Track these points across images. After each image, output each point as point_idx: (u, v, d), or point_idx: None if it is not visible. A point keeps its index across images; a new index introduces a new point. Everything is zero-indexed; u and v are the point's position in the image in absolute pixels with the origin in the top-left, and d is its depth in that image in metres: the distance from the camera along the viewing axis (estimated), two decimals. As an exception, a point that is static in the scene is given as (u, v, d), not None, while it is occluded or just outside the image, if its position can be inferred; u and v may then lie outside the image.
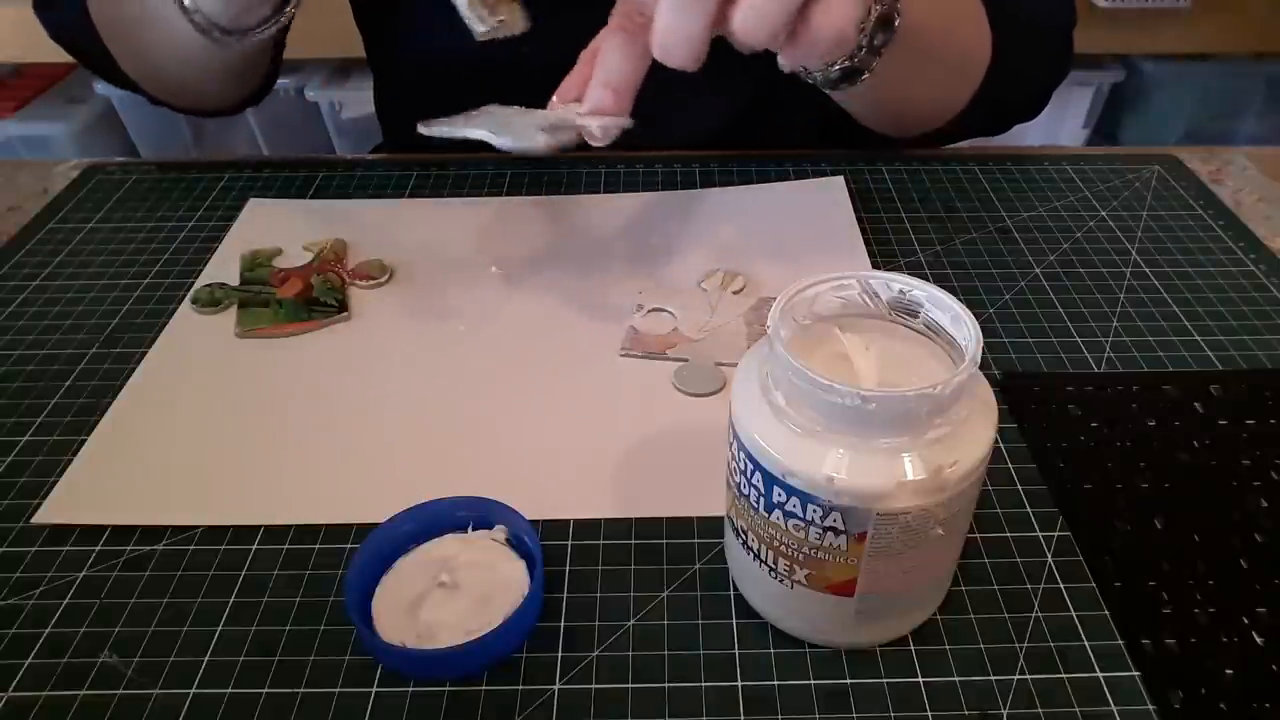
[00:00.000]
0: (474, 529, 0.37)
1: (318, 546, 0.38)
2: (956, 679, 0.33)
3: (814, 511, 0.29)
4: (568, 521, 0.38)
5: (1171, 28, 1.39)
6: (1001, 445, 0.41)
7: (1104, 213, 0.58)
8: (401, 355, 0.47)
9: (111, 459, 0.41)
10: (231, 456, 0.41)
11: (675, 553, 0.37)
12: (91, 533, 0.38)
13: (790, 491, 0.29)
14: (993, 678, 0.33)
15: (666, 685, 0.33)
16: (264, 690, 0.33)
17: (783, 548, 0.31)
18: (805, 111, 0.66)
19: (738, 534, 0.33)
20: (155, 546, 0.38)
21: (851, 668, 0.33)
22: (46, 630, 0.35)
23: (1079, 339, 0.48)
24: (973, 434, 0.29)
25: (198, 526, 0.38)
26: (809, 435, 0.28)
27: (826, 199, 0.58)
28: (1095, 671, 0.33)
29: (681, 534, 0.38)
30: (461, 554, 0.35)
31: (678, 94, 0.63)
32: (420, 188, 0.61)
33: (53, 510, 0.39)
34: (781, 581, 0.32)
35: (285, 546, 0.38)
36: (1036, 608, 0.35)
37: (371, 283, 0.52)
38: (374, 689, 0.33)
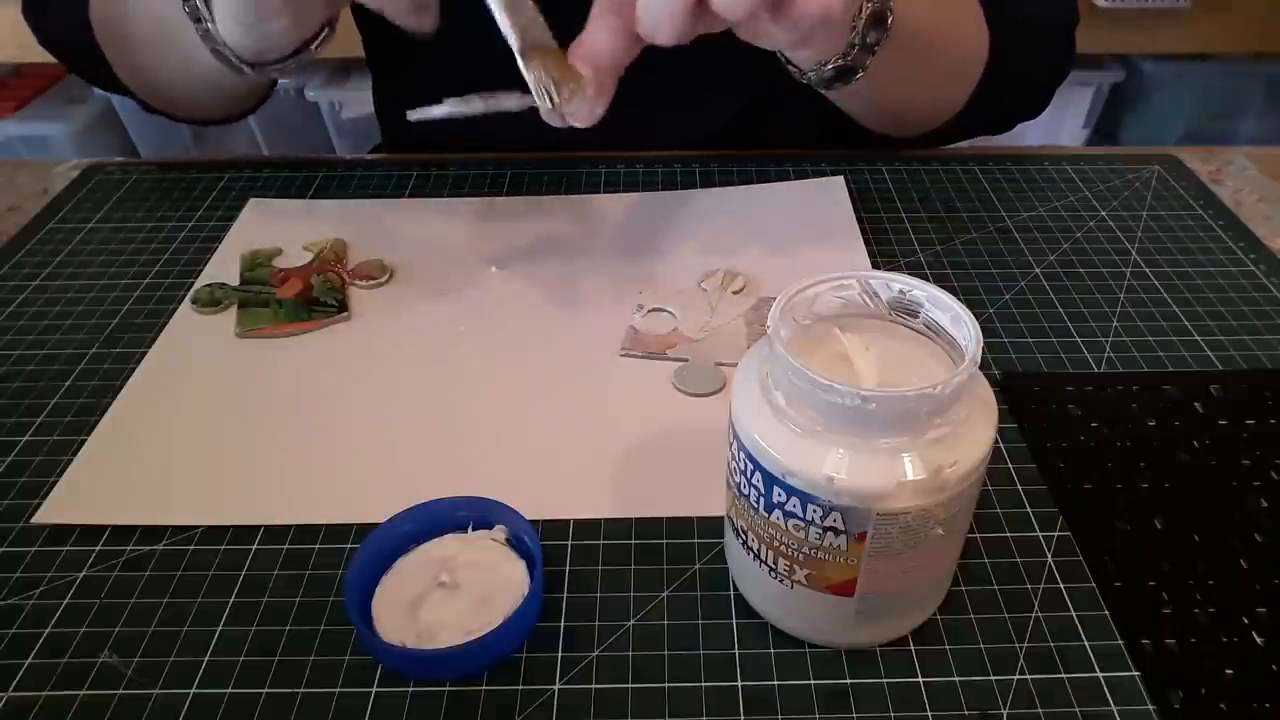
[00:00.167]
0: (474, 529, 0.37)
1: (318, 546, 0.38)
2: (956, 679, 0.33)
3: (814, 511, 0.29)
4: (568, 521, 0.38)
5: (1171, 28, 1.39)
6: (1001, 445, 0.41)
7: (1104, 213, 0.58)
8: (401, 355, 0.47)
9: (111, 459, 0.41)
10: (231, 456, 0.41)
11: (675, 553, 0.37)
12: (91, 533, 0.38)
13: (790, 491, 0.29)
14: (993, 678, 0.33)
15: (666, 685, 0.33)
16: (264, 690, 0.33)
17: (783, 548, 0.31)
18: (804, 113, 0.66)
19: (738, 534, 0.33)
20: (155, 546, 0.38)
21: (851, 668, 0.33)
22: (46, 630, 0.35)
23: (1079, 339, 0.48)
24: (973, 434, 0.29)
25: (198, 526, 0.38)
26: (809, 435, 0.28)
27: (826, 199, 0.58)
28: (1095, 671, 0.33)
29: (681, 534, 0.38)
30: (461, 554, 0.35)
31: (676, 95, 0.63)
32: (420, 188, 0.61)
33: (53, 510, 0.39)
34: (781, 581, 0.32)
35: (285, 546, 0.38)
36: (1036, 608, 0.35)
37: (371, 283, 0.52)
38: (374, 689, 0.33)
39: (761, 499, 0.30)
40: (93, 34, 0.57)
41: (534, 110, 0.41)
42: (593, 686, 0.33)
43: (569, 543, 0.38)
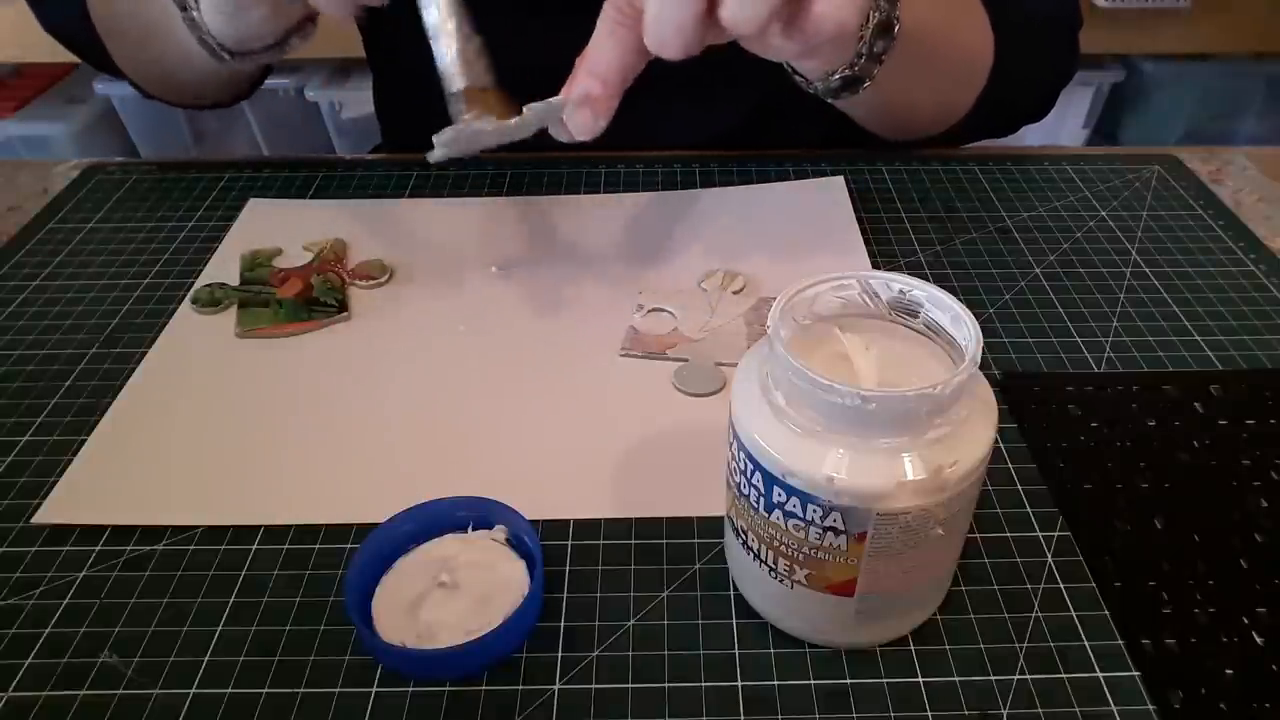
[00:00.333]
0: (474, 529, 0.37)
1: (318, 546, 0.38)
2: (956, 679, 0.33)
3: (814, 511, 0.29)
4: (568, 521, 0.38)
5: (1171, 28, 1.39)
6: (1001, 445, 0.41)
7: (1104, 213, 0.58)
8: (401, 355, 0.47)
9: (111, 459, 0.41)
10: (231, 456, 0.41)
11: (675, 553, 0.37)
12: (91, 533, 0.38)
13: (790, 491, 0.29)
14: (993, 678, 0.33)
15: (666, 685, 0.33)
16: (264, 690, 0.33)
17: (783, 548, 0.31)
18: (809, 121, 0.65)
19: (738, 534, 0.33)
20: (155, 546, 0.38)
21: (851, 668, 0.33)
22: (46, 630, 0.35)
23: (1079, 339, 0.48)
24: (973, 434, 0.29)
25: (198, 526, 0.38)
26: (809, 435, 0.28)
27: (826, 199, 0.58)
28: (1095, 671, 0.33)
29: (681, 534, 0.38)
30: (461, 554, 0.35)
31: (679, 104, 0.62)
32: (420, 188, 0.61)
33: (53, 510, 0.39)
34: (781, 581, 0.32)
35: (285, 546, 0.38)
36: (1036, 608, 0.35)
37: (371, 283, 0.52)
38: (374, 689, 0.33)
39: (761, 499, 0.30)
40: (91, 23, 0.58)
41: (539, 133, 0.41)
42: (593, 686, 0.33)
43: (569, 543, 0.38)
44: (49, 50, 0.65)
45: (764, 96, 0.66)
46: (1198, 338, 0.47)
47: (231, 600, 0.36)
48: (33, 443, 0.43)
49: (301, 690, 0.33)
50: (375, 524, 0.36)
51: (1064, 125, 1.51)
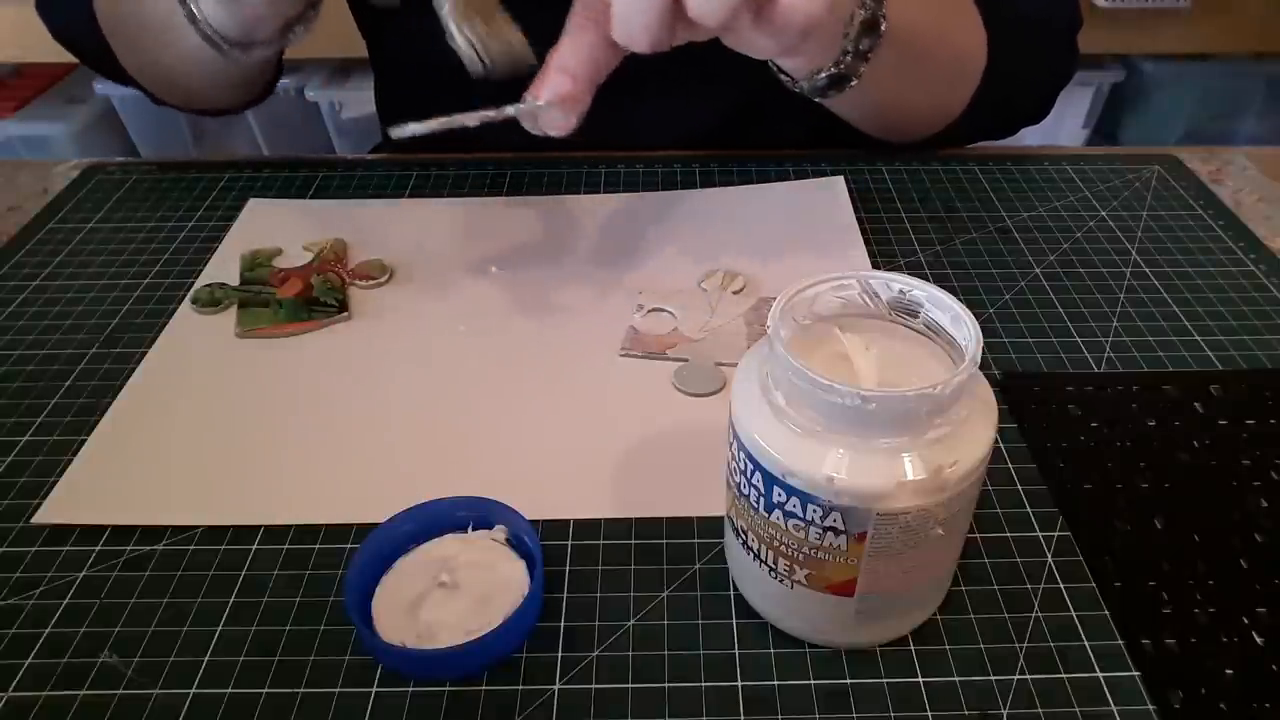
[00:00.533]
0: (474, 529, 0.37)
1: (318, 546, 0.38)
2: (956, 679, 0.33)
3: (814, 511, 0.29)
4: (568, 521, 0.38)
5: (1171, 28, 1.39)
6: (1001, 445, 0.41)
7: (1104, 213, 0.58)
8: (401, 355, 0.47)
9: (111, 459, 0.41)
10: (231, 456, 0.41)
11: (675, 553, 0.37)
12: (91, 533, 0.38)
13: (790, 491, 0.29)
14: (993, 678, 0.33)
15: (666, 685, 0.33)
16: (264, 690, 0.33)
17: (783, 548, 0.31)
18: (794, 120, 0.65)
19: (738, 534, 0.33)
20: (155, 546, 0.38)
21: (851, 668, 0.33)
22: (46, 630, 0.35)
23: (1079, 339, 0.48)
24: (973, 434, 0.29)
25: (198, 526, 0.38)
26: (809, 435, 0.28)
27: (826, 199, 0.58)
28: (1095, 671, 0.33)
29: (681, 534, 0.38)
30: (461, 554, 0.35)
31: (655, 100, 0.62)
32: (420, 188, 0.61)
33: (53, 510, 0.39)
34: (781, 581, 0.32)
35: (285, 546, 0.38)
36: (1036, 608, 0.35)
37: (371, 283, 0.52)
38: (374, 689, 0.33)
39: (761, 499, 0.30)
40: (98, 25, 0.58)
41: (507, 121, 0.40)
42: (593, 686, 0.33)
43: (569, 543, 0.38)
44: (49, 50, 0.65)
45: (746, 95, 0.65)
46: (1198, 338, 0.47)
47: (231, 600, 0.36)
48: (33, 443, 0.43)
49: (301, 690, 0.33)
50: (375, 524, 0.36)
51: (1064, 125, 1.51)
